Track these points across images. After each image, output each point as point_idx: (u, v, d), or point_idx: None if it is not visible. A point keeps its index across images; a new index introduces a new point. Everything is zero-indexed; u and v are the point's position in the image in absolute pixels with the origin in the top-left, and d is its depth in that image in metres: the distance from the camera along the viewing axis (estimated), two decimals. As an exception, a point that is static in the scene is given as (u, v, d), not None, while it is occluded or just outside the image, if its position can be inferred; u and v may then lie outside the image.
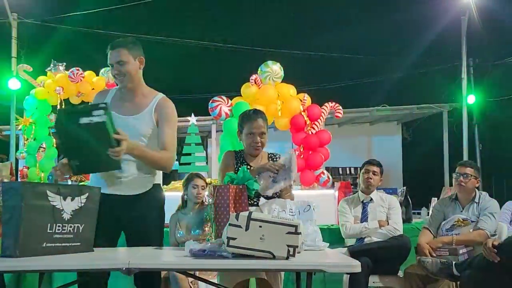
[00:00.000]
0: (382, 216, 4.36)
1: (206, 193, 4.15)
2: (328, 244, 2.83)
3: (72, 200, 2.57)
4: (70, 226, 2.55)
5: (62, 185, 2.58)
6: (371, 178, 4.43)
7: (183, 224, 4.12)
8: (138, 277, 2.96)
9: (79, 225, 2.59)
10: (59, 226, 2.50)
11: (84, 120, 2.63)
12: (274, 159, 3.33)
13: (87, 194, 2.64)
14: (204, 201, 4.18)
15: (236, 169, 3.21)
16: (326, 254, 2.71)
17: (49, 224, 2.46)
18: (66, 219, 2.53)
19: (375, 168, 4.47)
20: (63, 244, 2.52)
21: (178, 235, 4.08)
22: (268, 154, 3.40)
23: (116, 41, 3.04)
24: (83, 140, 2.68)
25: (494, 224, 3.96)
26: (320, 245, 2.77)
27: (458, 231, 3.96)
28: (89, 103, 2.78)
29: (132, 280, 2.97)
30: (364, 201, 4.45)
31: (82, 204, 2.61)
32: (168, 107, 3.09)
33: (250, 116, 3.32)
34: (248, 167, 3.20)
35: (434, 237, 4.09)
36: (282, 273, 3.08)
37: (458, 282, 3.66)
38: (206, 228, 3.97)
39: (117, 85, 3.15)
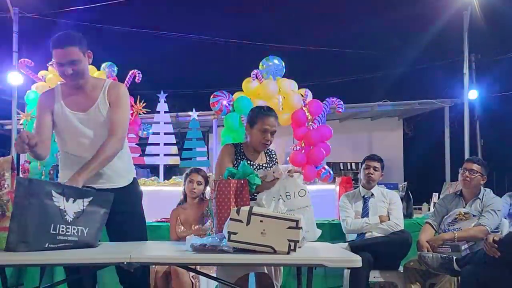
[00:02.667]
0: (383, 212, 4.36)
1: (208, 188, 4.16)
2: (320, 231, 2.88)
3: (74, 202, 2.55)
4: (74, 229, 2.53)
5: (67, 186, 2.57)
6: (371, 174, 4.43)
7: (183, 219, 4.12)
8: (124, 275, 2.95)
9: (83, 228, 2.56)
10: (62, 228, 2.49)
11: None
12: (271, 155, 3.42)
13: (91, 198, 2.62)
14: (204, 196, 4.19)
15: (236, 164, 3.22)
16: (327, 249, 2.72)
17: (52, 224, 2.45)
18: (69, 220, 2.51)
19: (376, 164, 4.47)
20: (65, 244, 2.50)
21: (179, 230, 4.09)
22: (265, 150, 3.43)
23: (64, 38, 2.85)
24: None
25: (496, 221, 3.96)
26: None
27: (460, 224, 3.95)
28: None
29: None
30: (365, 196, 4.45)
31: (84, 207, 2.58)
32: (118, 89, 3.03)
33: (265, 112, 3.31)
34: (248, 162, 3.21)
35: (436, 232, 4.09)
36: (282, 267, 3.08)
37: (459, 277, 3.66)
38: (207, 223, 3.98)
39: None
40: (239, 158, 3.29)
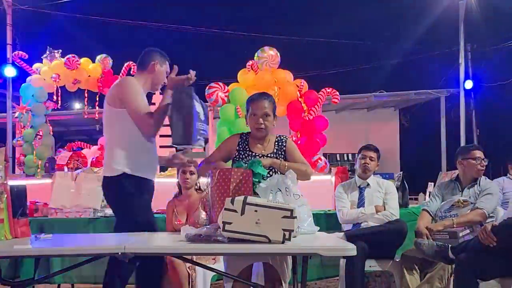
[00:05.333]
0: (379, 201, 4.36)
1: (205, 179, 4.14)
2: (318, 228, 2.85)
3: (199, 104, 3.12)
4: (202, 125, 3.13)
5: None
6: (368, 163, 4.42)
7: (179, 210, 4.12)
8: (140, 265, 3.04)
9: (205, 124, 3.17)
10: (201, 125, 3.10)
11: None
12: (280, 143, 3.30)
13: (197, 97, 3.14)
14: (199, 187, 4.17)
15: (237, 154, 3.24)
16: (322, 238, 2.72)
17: (198, 122, 3.06)
18: (203, 119, 3.14)
19: (372, 154, 4.46)
20: (203, 137, 3.12)
21: (175, 221, 4.08)
22: (276, 137, 3.34)
23: None
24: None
25: (493, 204, 3.94)
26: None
27: (457, 211, 3.92)
28: None
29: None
30: (361, 186, 4.45)
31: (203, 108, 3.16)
32: None
33: (254, 97, 3.30)
34: (250, 153, 3.22)
35: (433, 219, 4.08)
36: (289, 259, 2.99)
37: (453, 265, 3.66)
38: (202, 215, 3.97)
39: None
40: (242, 148, 3.27)
